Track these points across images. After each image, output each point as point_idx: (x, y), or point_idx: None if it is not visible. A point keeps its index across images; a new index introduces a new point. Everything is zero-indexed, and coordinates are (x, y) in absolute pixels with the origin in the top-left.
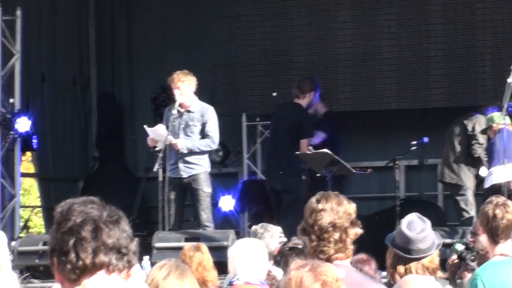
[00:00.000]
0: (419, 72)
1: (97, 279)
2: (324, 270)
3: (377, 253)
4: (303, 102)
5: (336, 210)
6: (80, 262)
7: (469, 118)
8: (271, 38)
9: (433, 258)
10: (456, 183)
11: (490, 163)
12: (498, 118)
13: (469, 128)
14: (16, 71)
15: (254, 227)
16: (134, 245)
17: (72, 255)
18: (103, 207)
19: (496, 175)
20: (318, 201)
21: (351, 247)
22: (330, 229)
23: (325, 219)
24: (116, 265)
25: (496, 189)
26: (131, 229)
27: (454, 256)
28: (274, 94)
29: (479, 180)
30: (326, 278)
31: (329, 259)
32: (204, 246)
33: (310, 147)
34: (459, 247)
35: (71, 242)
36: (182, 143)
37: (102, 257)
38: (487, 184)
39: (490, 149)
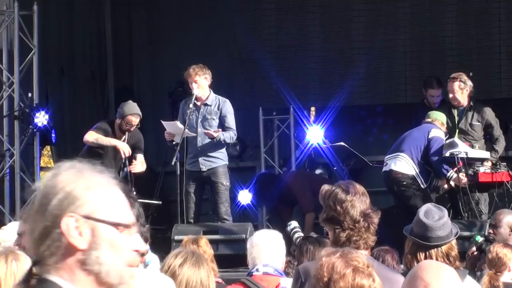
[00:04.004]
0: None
1: None
2: (355, 256)
3: (395, 246)
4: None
5: (364, 200)
6: None
7: None
8: (287, 32)
9: (453, 246)
10: None
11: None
12: (435, 115)
13: None
14: (34, 66)
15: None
16: (145, 231)
17: None
18: None
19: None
20: (346, 192)
21: (374, 237)
22: (360, 218)
23: (356, 208)
24: None
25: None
26: (149, 224)
27: (474, 248)
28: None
29: None
30: (357, 263)
31: (358, 248)
32: (204, 240)
33: None
34: (479, 239)
35: None
36: (217, 133)
37: None
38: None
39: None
